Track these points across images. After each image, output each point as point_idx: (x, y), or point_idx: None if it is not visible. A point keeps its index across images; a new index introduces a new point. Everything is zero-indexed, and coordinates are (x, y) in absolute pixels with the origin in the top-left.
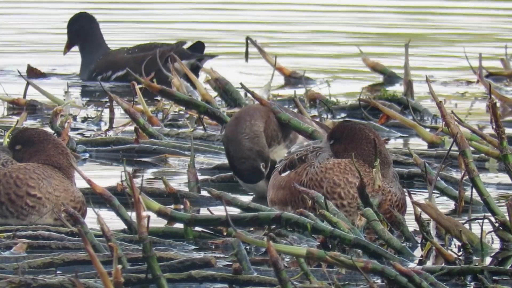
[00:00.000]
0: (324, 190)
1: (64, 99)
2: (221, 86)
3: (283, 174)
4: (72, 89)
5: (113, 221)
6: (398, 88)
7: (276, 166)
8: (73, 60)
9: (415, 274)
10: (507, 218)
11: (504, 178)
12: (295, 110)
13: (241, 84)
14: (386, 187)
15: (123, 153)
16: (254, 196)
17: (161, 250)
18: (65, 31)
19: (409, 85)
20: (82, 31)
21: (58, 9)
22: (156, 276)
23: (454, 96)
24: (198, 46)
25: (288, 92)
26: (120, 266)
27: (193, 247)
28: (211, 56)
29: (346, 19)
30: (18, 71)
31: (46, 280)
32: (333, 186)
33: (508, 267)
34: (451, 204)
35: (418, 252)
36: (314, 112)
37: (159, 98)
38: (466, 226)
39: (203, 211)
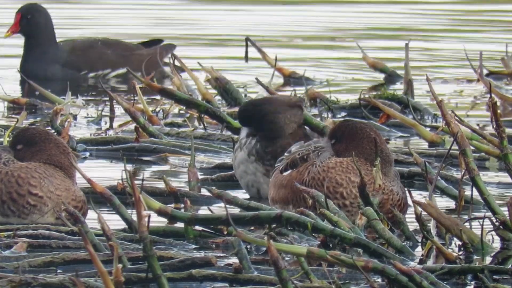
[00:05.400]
0: (325, 189)
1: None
2: (221, 85)
3: (285, 173)
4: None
5: (113, 220)
6: (399, 87)
7: (277, 165)
8: None
9: (416, 273)
10: (508, 217)
11: (504, 177)
12: None
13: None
14: (388, 186)
15: (124, 152)
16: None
17: (162, 249)
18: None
19: (409, 84)
20: None
21: None
22: (157, 275)
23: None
24: (155, 44)
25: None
26: (120, 265)
27: (194, 246)
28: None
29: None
30: (18, 71)
31: (47, 279)
32: (335, 186)
33: (508, 266)
34: (451, 203)
35: (418, 251)
36: (315, 111)
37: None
38: (467, 225)
39: (204, 210)
